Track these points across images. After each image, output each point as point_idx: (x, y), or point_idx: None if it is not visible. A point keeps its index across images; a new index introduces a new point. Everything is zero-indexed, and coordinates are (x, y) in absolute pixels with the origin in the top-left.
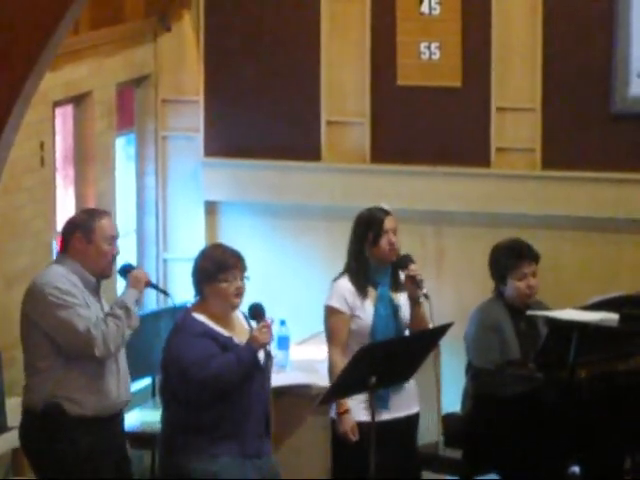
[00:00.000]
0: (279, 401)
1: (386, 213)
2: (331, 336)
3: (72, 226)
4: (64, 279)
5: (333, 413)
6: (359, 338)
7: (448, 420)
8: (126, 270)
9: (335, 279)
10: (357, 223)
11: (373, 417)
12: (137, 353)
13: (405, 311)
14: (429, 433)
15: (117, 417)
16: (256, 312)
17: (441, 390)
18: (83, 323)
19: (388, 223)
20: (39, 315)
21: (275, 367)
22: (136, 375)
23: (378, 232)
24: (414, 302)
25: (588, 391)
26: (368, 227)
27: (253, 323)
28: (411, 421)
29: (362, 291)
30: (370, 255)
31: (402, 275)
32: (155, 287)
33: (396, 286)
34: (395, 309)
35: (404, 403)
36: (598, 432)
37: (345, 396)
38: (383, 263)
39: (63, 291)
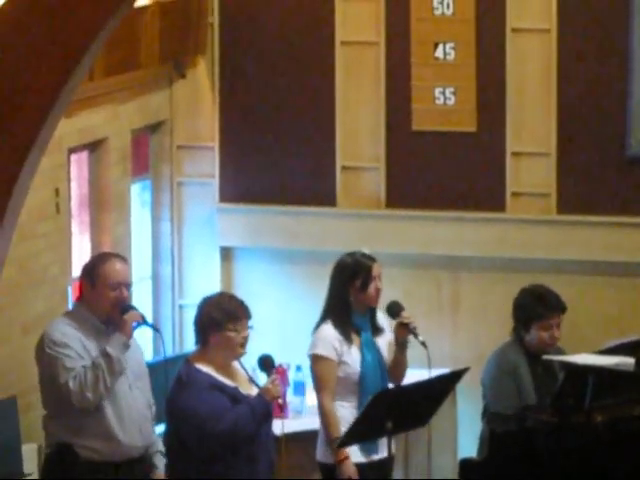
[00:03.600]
0: (294, 446)
1: (372, 259)
2: (321, 384)
3: (82, 271)
4: (64, 328)
5: (320, 456)
6: (347, 384)
7: (465, 465)
8: (124, 311)
9: (317, 327)
10: (341, 269)
11: (390, 453)
12: (157, 399)
13: (385, 356)
14: (446, 478)
15: (135, 464)
16: (267, 364)
17: (457, 435)
18: (64, 376)
19: (376, 269)
20: (39, 364)
21: (291, 413)
22: (156, 420)
23: (366, 279)
24: (401, 347)
25: (604, 435)
26: (355, 274)
27: (263, 375)
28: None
29: (348, 337)
30: (355, 301)
31: (384, 321)
32: (147, 324)
33: (375, 331)
34: (380, 354)
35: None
36: (614, 475)
37: (362, 441)
38: (367, 307)
39: (57, 343)
